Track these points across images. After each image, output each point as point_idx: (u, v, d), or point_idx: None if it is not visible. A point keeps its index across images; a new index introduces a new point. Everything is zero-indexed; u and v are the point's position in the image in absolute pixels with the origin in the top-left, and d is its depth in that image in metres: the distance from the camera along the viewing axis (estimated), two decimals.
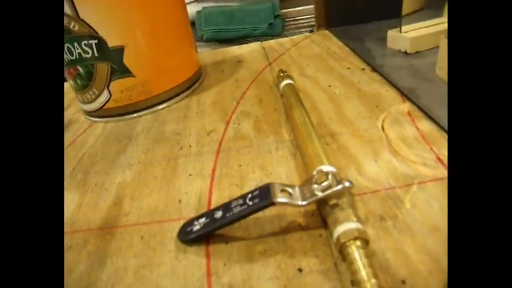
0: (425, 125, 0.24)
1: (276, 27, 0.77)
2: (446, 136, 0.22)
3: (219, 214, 0.18)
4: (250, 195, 0.17)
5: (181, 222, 0.19)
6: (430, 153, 0.21)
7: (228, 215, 0.17)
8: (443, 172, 0.20)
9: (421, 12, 0.41)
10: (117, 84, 0.30)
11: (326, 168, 0.19)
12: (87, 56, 0.29)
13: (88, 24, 0.27)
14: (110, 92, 0.30)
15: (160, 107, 0.32)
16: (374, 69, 0.32)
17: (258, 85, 0.34)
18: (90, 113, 0.33)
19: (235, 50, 0.45)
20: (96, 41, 0.28)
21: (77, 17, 0.27)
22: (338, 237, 0.15)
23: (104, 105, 0.31)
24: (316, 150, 0.21)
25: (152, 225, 0.20)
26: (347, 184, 0.16)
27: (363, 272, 0.14)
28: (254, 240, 0.18)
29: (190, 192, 0.22)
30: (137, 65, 0.30)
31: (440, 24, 0.34)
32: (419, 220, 0.17)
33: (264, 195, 0.17)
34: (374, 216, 0.18)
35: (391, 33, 0.35)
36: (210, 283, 0.16)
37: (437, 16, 0.36)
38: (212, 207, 0.20)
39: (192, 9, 0.79)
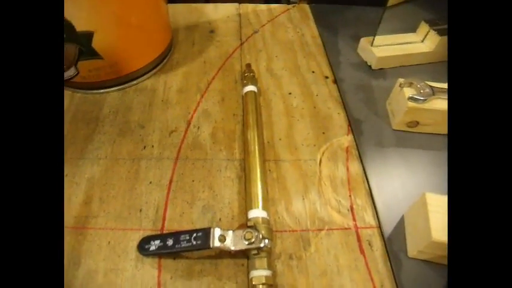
0: (355, 167, 0.31)
1: None
2: (366, 183, 0.30)
3: (170, 242, 0.25)
4: (195, 235, 0.24)
5: (141, 233, 0.26)
6: (347, 200, 0.29)
7: (176, 246, 0.24)
8: (349, 223, 0.27)
9: (406, 6, 0.43)
10: (85, 64, 0.32)
11: (257, 213, 0.26)
12: None
13: None
14: (77, 69, 0.33)
15: (127, 84, 0.35)
16: (335, 81, 0.36)
17: (224, 74, 0.37)
18: None
19: (211, 11, 0.45)
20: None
21: None
22: (251, 279, 0.23)
23: (71, 78, 0.33)
24: (256, 190, 0.27)
25: (117, 231, 0.27)
26: (266, 243, 0.24)
27: None
28: (195, 260, 0.25)
29: (149, 203, 0.28)
30: (106, 49, 0.32)
31: (410, 43, 0.37)
32: (316, 264, 0.25)
33: (204, 238, 0.24)
34: (285, 254, 0.26)
35: (363, 43, 0.37)
36: None
37: (424, 10, 0.39)
38: (166, 221, 0.27)
39: None
